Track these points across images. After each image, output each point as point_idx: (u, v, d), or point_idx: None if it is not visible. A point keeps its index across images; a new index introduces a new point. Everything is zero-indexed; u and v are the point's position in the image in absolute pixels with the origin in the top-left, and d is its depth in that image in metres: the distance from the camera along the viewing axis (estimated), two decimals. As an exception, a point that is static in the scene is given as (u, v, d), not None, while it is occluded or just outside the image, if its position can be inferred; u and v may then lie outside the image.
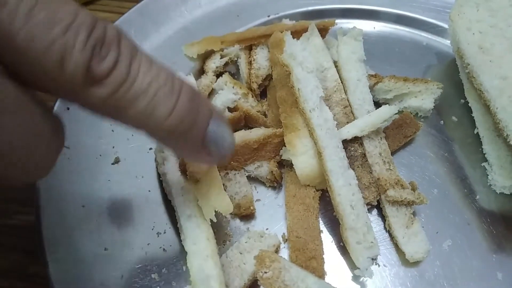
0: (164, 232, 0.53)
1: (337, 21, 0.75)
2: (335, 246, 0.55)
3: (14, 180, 0.32)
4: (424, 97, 0.66)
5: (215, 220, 0.50)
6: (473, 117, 0.65)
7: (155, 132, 0.36)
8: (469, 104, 0.66)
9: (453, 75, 0.71)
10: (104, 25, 0.32)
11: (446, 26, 0.75)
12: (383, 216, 0.57)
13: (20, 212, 0.58)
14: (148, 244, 0.51)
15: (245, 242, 0.52)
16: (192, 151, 0.39)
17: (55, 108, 0.59)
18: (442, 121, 0.68)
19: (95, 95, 0.31)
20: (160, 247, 0.51)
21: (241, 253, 0.51)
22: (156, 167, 0.59)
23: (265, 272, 0.46)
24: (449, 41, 0.73)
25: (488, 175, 0.61)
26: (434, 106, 0.67)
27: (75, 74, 0.30)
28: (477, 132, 0.65)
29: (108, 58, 0.31)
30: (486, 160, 0.62)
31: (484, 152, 0.63)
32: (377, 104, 0.67)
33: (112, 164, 0.57)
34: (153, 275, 0.49)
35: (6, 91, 0.29)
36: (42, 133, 0.32)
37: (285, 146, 0.58)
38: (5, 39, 0.28)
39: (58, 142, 0.34)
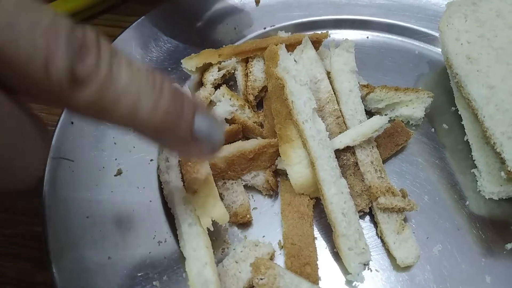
0: (165, 241, 0.55)
1: (331, 31, 0.78)
2: (329, 252, 0.57)
3: (2, 185, 0.33)
4: (415, 106, 0.69)
5: (212, 229, 0.52)
6: (463, 124, 0.67)
7: (143, 129, 0.37)
8: (459, 112, 0.68)
9: (445, 83, 0.74)
10: (83, 29, 0.33)
11: (437, 34, 0.77)
12: (375, 223, 0.59)
13: (27, 223, 0.61)
14: (149, 253, 0.54)
15: (241, 251, 0.54)
16: (182, 145, 0.40)
17: (60, 122, 0.62)
18: (433, 129, 0.70)
19: (80, 97, 0.32)
20: (161, 255, 0.54)
21: (236, 262, 0.53)
22: (158, 177, 0.61)
23: (261, 279, 0.48)
24: (440, 50, 0.76)
25: (477, 181, 0.63)
26: (425, 114, 0.69)
27: (60, 78, 0.31)
28: (467, 139, 0.67)
29: (89, 60, 0.32)
30: (475, 167, 0.64)
31: (473, 159, 0.65)
32: (370, 114, 0.69)
33: (115, 175, 0.60)
34: (154, 282, 0.52)
35: None
36: (28, 138, 0.33)
37: (280, 156, 0.60)
38: None
39: (44, 146, 0.35)
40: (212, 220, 0.52)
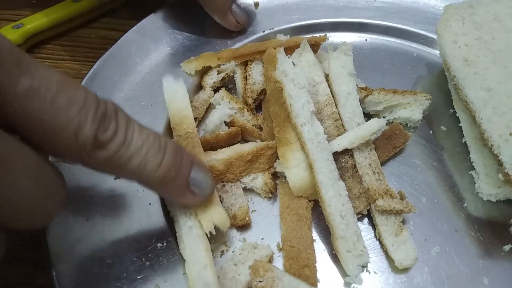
0: (164, 244, 0.55)
1: (329, 34, 0.78)
2: (328, 255, 0.57)
3: (21, 225, 0.39)
4: (413, 108, 0.69)
5: (214, 233, 0.53)
6: (461, 126, 0.68)
7: (148, 182, 0.45)
8: (457, 114, 0.69)
9: (443, 85, 0.74)
10: (105, 102, 0.41)
11: (436, 37, 0.77)
12: (373, 225, 0.59)
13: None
14: (149, 255, 0.54)
15: (239, 254, 0.55)
16: (179, 194, 0.49)
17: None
18: (431, 131, 0.70)
19: (100, 157, 0.40)
20: (161, 258, 0.54)
21: (235, 265, 0.54)
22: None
23: (260, 281, 0.49)
24: (439, 52, 0.76)
25: (475, 183, 0.64)
26: (423, 116, 0.69)
27: (86, 143, 0.39)
28: (465, 141, 0.67)
29: (110, 128, 0.40)
30: (473, 169, 0.65)
31: (471, 161, 0.65)
32: (368, 116, 0.70)
33: (115, 178, 0.60)
34: (154, 285, 0.52)
35: (30, 157, 0.37)
36: (51, 189, 0.39)
37: (279, 158, 0.61)
38: (35, 121, 0.37)
39: (63, 196, 0.41)
40: (213, 224, 0.53)
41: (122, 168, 0.42)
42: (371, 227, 0.60)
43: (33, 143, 0.38)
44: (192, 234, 0.54)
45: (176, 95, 0.63)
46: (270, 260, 0.56)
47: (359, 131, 0.61)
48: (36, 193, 0.37)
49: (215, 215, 0.52)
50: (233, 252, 0.57)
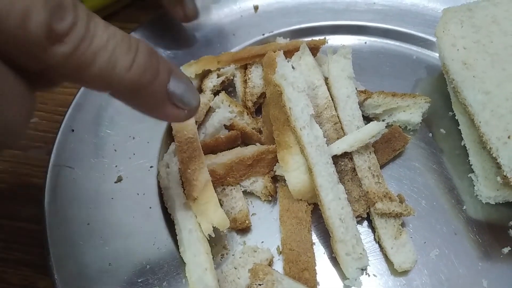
0: (165, 247, 0.56)
1: (329, 37, 0.78)
2: (327, 258, 0.58)
3: None
4: (412, 111, 0.69)
5: (213, 236, 0.53)
6: (460, 129, 0.68)
7: (119, 87, 0.38)
8: (456, 117, 0.69)
9: (442, 88, 0.74)
10: None
11: (435, 40, 0.77)
12: (373, 228, 0.60)
13: (29, 230, 0.62)
14: (149, 259, 0.54)
15: (239, 257, 0.55)
16: (158, 106, 0.42)
17: (60, 130, 0.63)
18: (430, 134, 0.70)
19: (58, 53, 0.34)
20: (161, 261, 0.54)
21: (235, 268, 0.54)
22: (158, 183, 0.62)
23: (259, 285, 0.49)
24: (438, 55, 0.76)
25: (474, 185, 0.64)
26: (422, 119, 0.70)
27: (37, 32, 0.32)
28: (464, 144, 0.67)
29: (67, 18, 0.34)
30: (472, 171, 0.65)
31: (470, 164, 0.65)
32: (367, 119, 0.70)
33: (115, 182, 0.61)
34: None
35: None
36: (12, 94, 0.34)
37: (279, 162, 0.61)
38: None
39: (29, 103, 0.36)
40: (212, 227, 0.53)
41: (87, 68, 0.35)
42: (370, 230, 0.60)
43: None
44: (192, 238, 0.54)
45: None
46: (270, 264, 0.56)
47: (358, 134, 0.62)
48: None
49: (214, 217, 0.53)
50: (233, 255, 0.57)
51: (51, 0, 0.33)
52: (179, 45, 0.78)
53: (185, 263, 0.53)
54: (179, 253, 0.55)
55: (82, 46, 0.35)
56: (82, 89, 0.68)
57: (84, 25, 0.35)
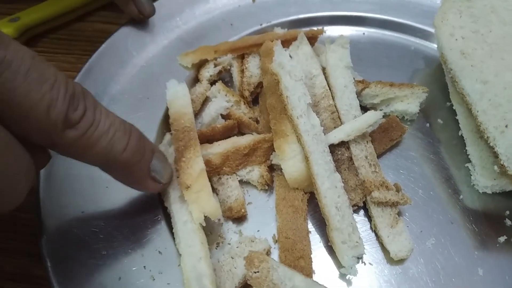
0: (160, 236, 0.55)
1: (327, 27, 0.78)
2: (323, 246, 0.57)
3: None
4: (409, 101, 0.69)
5: (204, 224, 0.53)
6: (458, 119, 0.68)
7: (113, 164, 0.46)
8: (454, 107, 0.69)
9: (440, 78, 0.74)
10: (73, 82, 0.42)
11: (433, 30, 0.77)
12: (369, 217, 0.60)
13: (24, 219, 0.61)
14: (144, 247, 0.54)
15: (237, 247, 0.55)
16: (141, 179, 0.50)
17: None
18: (428, 124, 0.70)
19: (70, 136, 0.41)
20: (156, 250, 0.54)
21: (232, 258, 0.54)
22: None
23: (255, 272, 0.49)
24: (436, 46, 0.76)
25: (471, 175, 0.64)
26: (420, 109, 0.69)
27: (57, 120, 0.39)
28: (462, 134, 0.67)
29: (80, 107, 0.41)
30: (470, 161, 0.65)
31: (467, 153, 0.65)
32: (365, 109, 0.70)
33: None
34: (149, 276, 0.52)
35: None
36: (20, 171, 0.39)
37: (275, 151, 0.61)
38: (6, 93, 0.37)
39: (31, 178, 0.41)
40: (204, 216, 0.53)
41: (90, 149, 0.43)
42: (366, 219, 0.60)
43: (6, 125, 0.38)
44: (186, 229, 0.54)
45: (177, 95, 0.63)
46: (268, 254, 0.56)
47: (355, 123, 0.61)
48: (3, 171, 0.37)
49: (206, 206, 0.52)
50: (229, 244, 0.57)
51: (69, 90, 0.40)
52: (175, 35, 0.78)
53: (180, 254, 0.53)
54: (175, 244, 0.55)
55: (89, 131, 0.42)
56: (77, 79, 0.68)
57: (92, 114, 0.43)
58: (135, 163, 0.47)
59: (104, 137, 0.43)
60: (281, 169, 0.60)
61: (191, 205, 0.53)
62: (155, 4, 0.79)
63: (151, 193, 0.58)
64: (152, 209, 0.58)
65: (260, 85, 0.70)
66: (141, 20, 0.77)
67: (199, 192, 0.53)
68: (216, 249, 0.57)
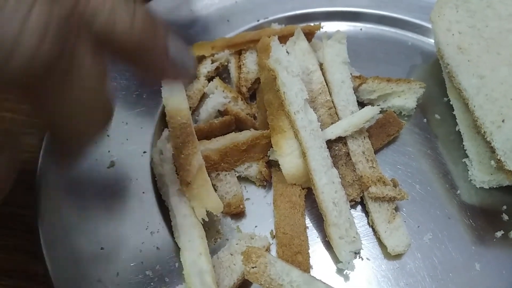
0: (158, 231, 0.55)
1: (324, 23, 0.78)
2: (320, 241, 0.58)
3: (76, 130, 0.38)
4: (407, 97, 0.69)
5: (207, 220, 0.53)
6: (455, 114, 0.68)
7: (123, 42, 0.38)
8: (451, 102, 0.69)
9: (437, 73, 0.74)
10: None
11: (430, 26, 0.77)
12: (367, 212, 0.60)
13: (21, 215, 0.61)
14: (142, 243, 0.54)
15: (236, 244, 0.55)
16: (160, 65, 0.42)
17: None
18: (425, 119, 0.70)
19: (61, 11, 0.33)
20: (154, 246, 0.54)
21: (231, 254, 0.54)
22: (151, 169, 0.61)
23: (252, 267, 0.49)
24: (433, 41, 0.76)
25: (468, 170, 0.64)
26: (417, 104, 0.69)
27: None
28: (459, 129, 0.67)
29: None
30: (467, 156, 0.65)
31: (465, 149, 0.65)
32: (362, 104, 0.70)
33: (108, 167, 0.60)
34: (147, 272, 0.52)
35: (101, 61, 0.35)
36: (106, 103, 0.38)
37: (273, 147, 0.61)
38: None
39: (111, 113, 0.40)
40: (206, 211, 0.53)
41: (89, 27, 0.35)
42: (364, 215, 0.60)
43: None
44: (186, 223, 0.54)
45: (172, 92, 0.63)
46: (267, 251, 0.56)
47: (352, 119, 0.61)
48: (97, 100, 0.36)
49: (207, 201, 0.52)
50: (227, 239, 0.57)
51: None
52: (172, 31, 0.77)
53: (179, 248, 0.53)
54: (173, 238, 0.55)
55: (81, 3, 0.34)
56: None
57: None
58: (148, 43, 0.39)
59: (100, 10, 0.36)
60: (279, 165, 0.60)
61: (193, 201, 0.53)
62: (151, 1, 0.79)
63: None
64: (150, 204, 0.58)
65: (257, 81, 0.70)
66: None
67: (200, 188, 0.53)
68: (214, 244, 0.57)
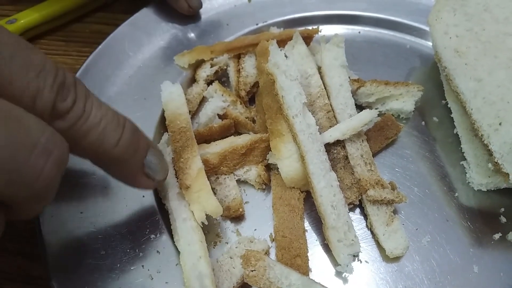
0: (158, 235, 0.56)
1: (322, 27, 0.78)
2: (319, 245, 0.58)
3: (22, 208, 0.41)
4: (405, 100, 0.69)
5: (206, 223, 0.53)
6: (453, 117, 0.68)
7: (104, 158, 0.43)
8: (449, 105, 0.69)
9: (435, 76, 0.74)
10: (64, 72, 0.39)
11: (428, 29, 0.77)
12: (365, 215, 0.60)
13: (23, 220, 0.62)
14: (142, 246, 0.55)
15: (235, 247, 0.55)
16: (133, 175, 0.47)
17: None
18: (423, 122, 0.71)
19: (58, 127, 0.38)
20: (154, 249, 0.54)
21: (231, 258, 0.54)
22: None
23: (251, 271, 0.49)
24: (431, 44, 0.76)
25: (466, 173, 0.64)
26: (415, 107, 0.70)
27: (44, 110, 0.37)
28: (457, 132, 0.67)
29: (69, 98, 0.39)
30: (465, 159, 0.65)
31: (463, 151, 0.65)
32: (360, 108, 0.70)
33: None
34: (147, 275, 0.53)
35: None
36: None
37: (271, 150, 0.61)
38: None
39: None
40: (205, 214, 0.53)
41: (79, 141, 0.40)
42: (362, 217, 0.61)
43: None
44: (186, 226, 0.54)
45: (172, 96, 0.63)
46: (266, 254, 0.56)
47: (351, 122, 0.62)
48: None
49: (207, 204, 0.53)
50: (226, 243, 0.58)
51: (58, 79, 0.38)
52: (172, 36, 0.78)
53: (179, 251, 0.54)
54: (173, 241, 0.55)
55: (79, 123, 0.40)
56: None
57: (82, 105, 0.40)
58: (127, 159, 0.44)
59: (94, 130, 0.41)
60: (278, 168, 0.60)
61: (192, 205, 0.53)
62: (150, 5, 0.80)
63: (147, 191, 0.58)
64: (150, 208, 0.58)
65: (256, 85, 0.71)
66: (190, 14, 0.78)
67: (199, 192, 0.53)
68: (214, 248, 0.58)
